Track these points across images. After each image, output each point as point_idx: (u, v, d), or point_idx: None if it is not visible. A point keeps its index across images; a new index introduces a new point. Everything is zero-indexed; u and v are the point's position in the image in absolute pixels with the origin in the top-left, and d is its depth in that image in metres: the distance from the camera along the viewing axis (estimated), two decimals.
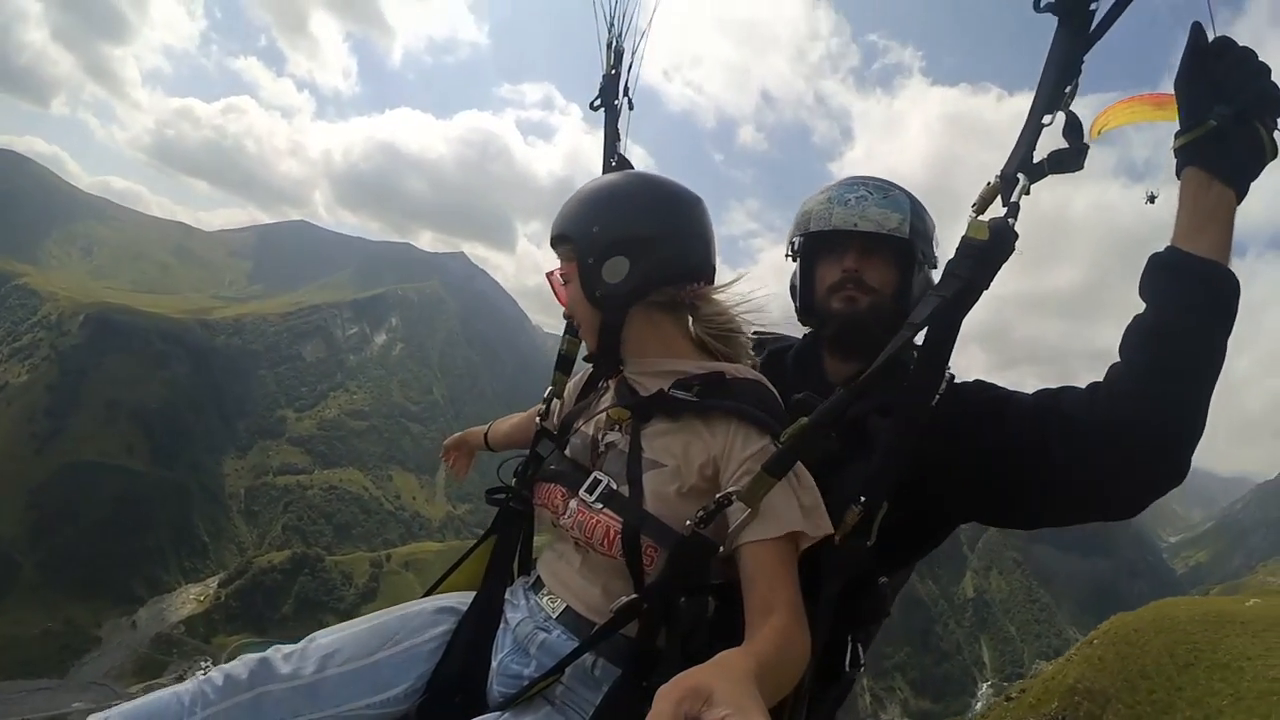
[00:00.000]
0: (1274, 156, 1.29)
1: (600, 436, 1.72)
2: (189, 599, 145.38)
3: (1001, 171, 1.38)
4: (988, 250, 1.36)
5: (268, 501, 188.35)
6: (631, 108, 2.31)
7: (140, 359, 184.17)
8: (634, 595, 1.45)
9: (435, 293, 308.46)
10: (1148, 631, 15.20)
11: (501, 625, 1.77)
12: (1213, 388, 1.30)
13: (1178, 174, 1.32)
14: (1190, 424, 1.32)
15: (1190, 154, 1.31)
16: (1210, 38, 1.31)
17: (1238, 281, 1.31)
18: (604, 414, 1.73)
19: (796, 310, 2.07)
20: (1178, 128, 1.33)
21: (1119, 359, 1.40)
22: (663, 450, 1.58)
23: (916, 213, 1.88)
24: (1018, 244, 1.35)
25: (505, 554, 2.00)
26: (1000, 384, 1.74)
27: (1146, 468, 1.36)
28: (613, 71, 2.32)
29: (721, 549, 1.42)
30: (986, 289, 1.37)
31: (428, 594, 2.02)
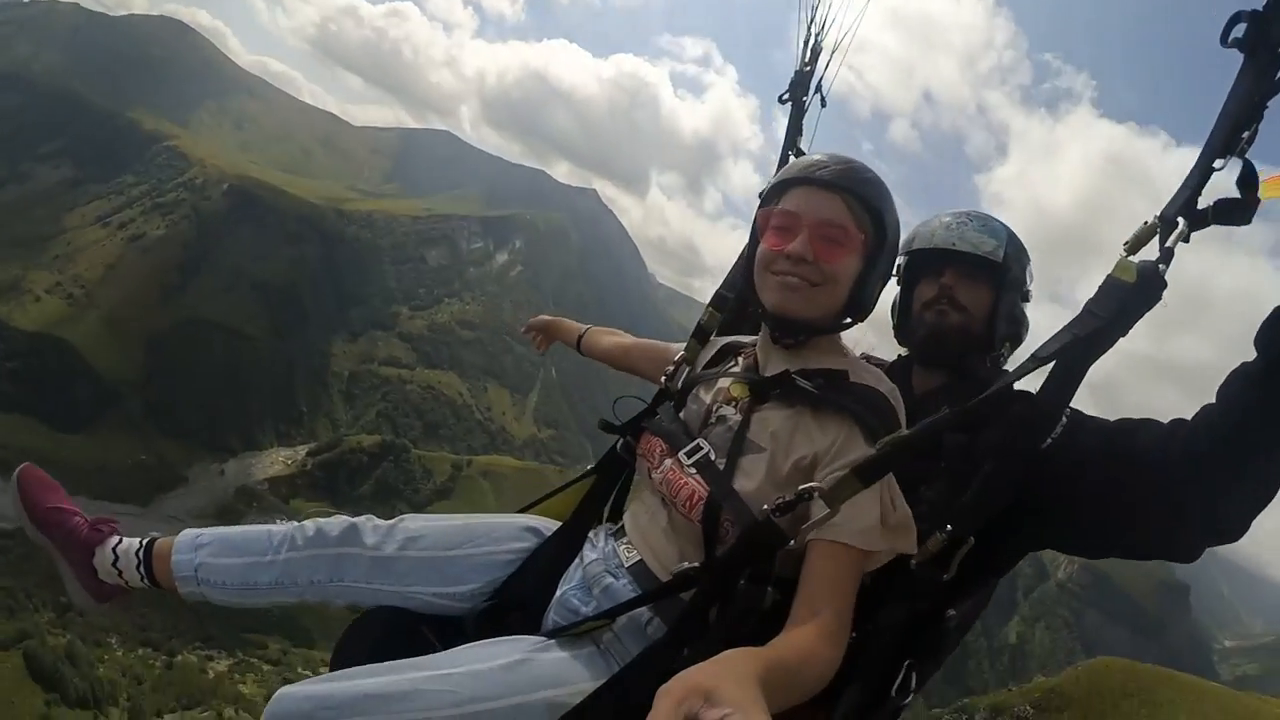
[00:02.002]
0: None
1: (715, 408, 1.72)
2: (277, 460, 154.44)
3: (1161, 213, 1.30)
4: (1133, 294, 1.29)
5: (368, 387, 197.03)
6: (824, 105, 2.32)
7: (273, 235, 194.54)
8: (697, 564, 1.47)
9: (561, 225, 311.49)
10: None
11: (576, 559, 1.79)
12: None
13: None
14: (1264, 480, 1.28)
15: None
16: None
17: None
18: (726, 387, 1.75)
19: (894, 330, 2.15)
20: None
21: (1215, 400, 1.33)
22: (767, 434, 1.58)
23: (1012, 243, 1.96)
24: (1165, 294, 1.29)
25: (601, 494, 2.05)
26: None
27: (1211, 511, 1.33)
28: (806, 68, 2.32)
29: (793, 542, 1.40)
30: (1124, 336, 1.30)
31: (521, 512, 2.08)
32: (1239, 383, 1.28)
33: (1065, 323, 1.41)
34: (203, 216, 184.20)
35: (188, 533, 1.86)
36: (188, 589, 1.80)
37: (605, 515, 2.03)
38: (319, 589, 1.78)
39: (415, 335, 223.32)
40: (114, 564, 1.82)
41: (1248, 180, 1.22)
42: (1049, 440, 1.48)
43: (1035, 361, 1.39)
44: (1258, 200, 1.22)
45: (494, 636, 1.58)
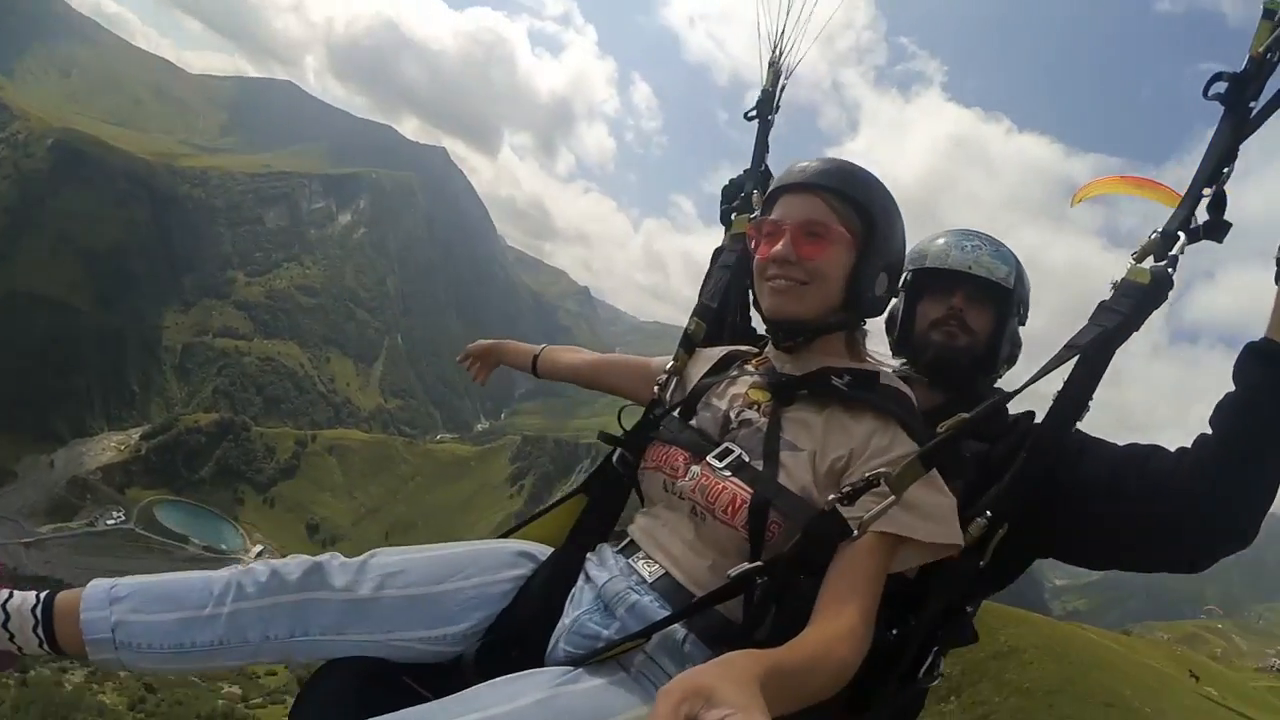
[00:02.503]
0: None
1: (734, 414, 1.65)
2: (110, 446, 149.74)
3: (1163, 228, 1.50)
4: (1148, 293, 1.46)
5: (202, 361, 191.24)
6: (778, 111, 2.44)
7: (101, 196, 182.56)
8: (758, 563, 1.38)
9: (408, 184, 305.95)
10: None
11: (581, 581, 1.64)
12: None
13: (1276, 280, 1.43)
14: (1263, 492, 1.43)
15: None
16: None
17: None
18: (743, 392, 1.69)
19: (891, 342, 2.18)
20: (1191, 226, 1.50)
21: (1209, 430, 1.49)
22: (802, 435, 1.54)
23: (1020, 271, 2.04)
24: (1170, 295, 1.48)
25: (599, 513, 1.91)
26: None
27: (1217, 527, 1.47)
28: (770, 88, 2.38)
29: (856, 533, 1.36)
30: (1138, 330, 1.48)
31: (504, 536, 1.88)
32: (1228, 412, 1.46)
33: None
34: (24, 176, 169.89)
35: (99, 584, 1.51)
36: (102, 655, 1.46)
37: (605, 534, 1.85)
38: (277, 646, 1.50)
39: (252, 303, 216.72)
40: (3, 625, 1.45)
41: (1221, 205, 1.47)
42: (1076, 426, 1.57)
43: (1071, 350, 1.48)
44: (1229, 224, 1.47)
45: (497, 676, 1.39)
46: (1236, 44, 1.50)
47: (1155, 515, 1.49)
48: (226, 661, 1.53)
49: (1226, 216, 1.48)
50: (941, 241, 2.08)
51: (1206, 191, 1.49)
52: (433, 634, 1.56)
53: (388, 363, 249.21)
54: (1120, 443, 1.68)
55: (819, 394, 1.58)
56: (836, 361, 1.64)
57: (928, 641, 1.54)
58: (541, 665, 1.50)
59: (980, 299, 2.00)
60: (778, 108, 2.40)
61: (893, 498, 1.34)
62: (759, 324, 1.97)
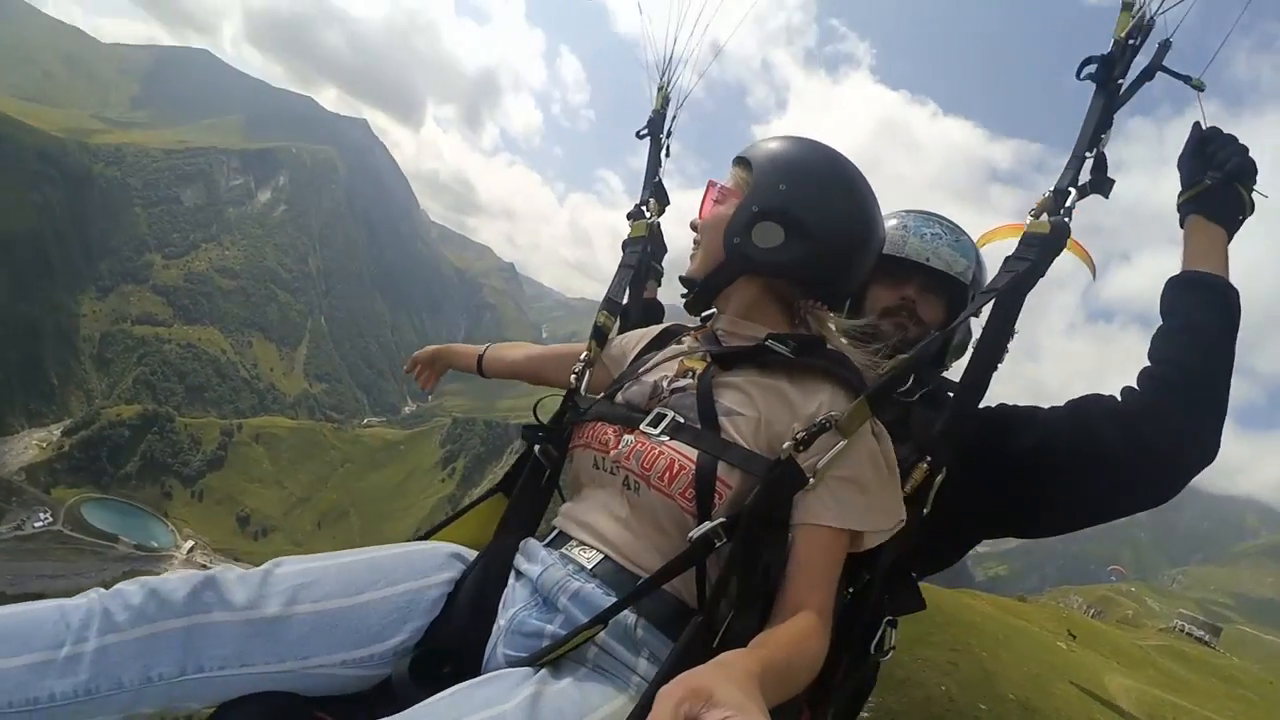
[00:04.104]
0: (1252, 211, 1.63)
1: (665, 383, 1.54)
2: (31, 444, 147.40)
3: (1055, 187, 1.63)
4: (1049, 240, 1.56)
5: (122, 350, 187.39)
6: (668, 152, 2.44)
7: (13, 177, 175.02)
8: (720, 520, 1.27)
9: (329, 159, 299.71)
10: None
11: (511, 580, 1.49)
12: (1230, 375, 1.52)
13: (1181, 224, 1.64)
14: (1216, 405, 1.51)
15: (1191, 205, 1.62)
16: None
17: (1238, 291, 1.56)
18: (677, 360, 1.61)
19: None
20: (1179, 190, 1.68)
21: (1149, 363, 1.57)
22: (742, 402, 1.44)
23: (979, 264, 2.02)
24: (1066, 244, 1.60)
25: (523, 508, 1.76)
26: None
27: (1183, 446, 1.51)
28: (661, 110, 2.40)
29: (811, 481, 1.31)
30: (1044, 274, 1.59)
31: (424, 538, 1.71)
32: (1164, 339, 1.57)
33: None
34: None
35: None
36: None
37: (532, 529, 1.74)
38: (162, 690, 1.21)
39: (171, 287, 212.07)
40: None
41: (1102, 165, 1.61)
42: (1001, 362, 1.60)
43: (986, 295, 1.57)
44: (1112, 180, 1.62)
45: (431, 694, 1.19)
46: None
47: (1134, 447, 1.52)
48: (99, 713, 1.19)
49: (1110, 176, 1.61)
50: (898, 224, 2.02)
51: (1088, 155, 1.62)
52: (358, 655, 1.34)
53: (311, 345, 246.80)
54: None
55: (759, 361, 1.50)
56: (778, 330, 1.58)
57: (877, 610, 1.52)
58: (479, 675, 1.30)
59: (935, 291, 1.97)
60: (670, 132, 2.42)
61: (843, 441, 1.32)
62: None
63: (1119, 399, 1.59)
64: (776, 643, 1.16)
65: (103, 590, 1.26)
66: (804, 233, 1.52)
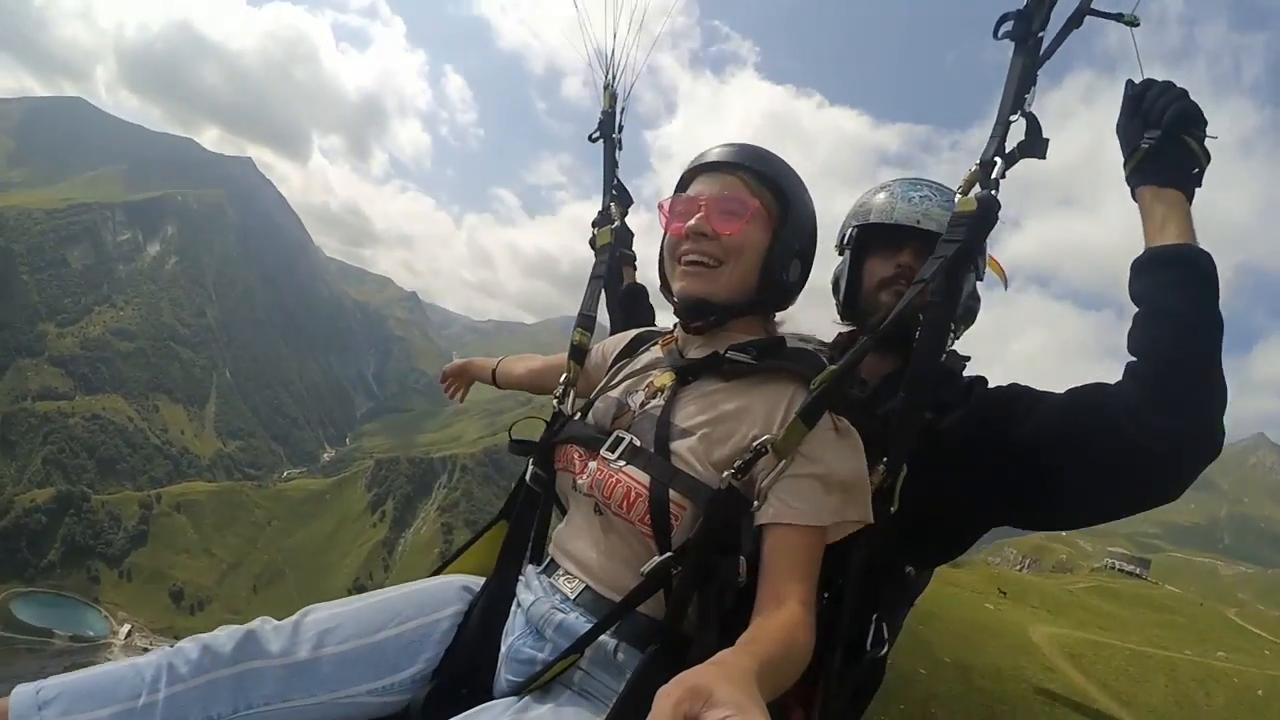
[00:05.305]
0: (1208, 160, 1.48)
1: (629, 400, 1.63)
2: None
3: (980, 159, 1.57)
4: (978, 218, 1.53)
5: (25, 430, 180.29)
6: (620, 148, 2.49)
7: None
8: (668, 554, 1.37)
9: (217, 202, 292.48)
10: None
11: (514, 607, 1.62)
12: (1218, 354, 1.39)
13: (1133, 199, 1.51)
14: (1209, 392, 1.39)
15: (1136, 177, 1.50)
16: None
17: (1208, 253, 1.41)
18: (648, 378, 1.66)
19: (838, 305, 2.09)
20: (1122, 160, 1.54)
21: (1131, 358, 1.47)
22: (703, 413, 1.50)
23: None
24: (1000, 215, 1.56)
25: (522, 534, 1.82)
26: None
27: (1180, 449, 1.40)
28: (610, 109, 2.43)
29: (756, 504, 1.37)
30: (979, 250, 1.60)
31: (435, 574, 1.87)
32: (1141, 329, 1.45)
33: None
34: None
35: (23, 690, 1.40)
36: None
37: (529, 555, 1.81)
38: None
39: (68, 357, 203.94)
40: None
41: (1035, 125, 1.54)
42: (943, 355, 1.60)
43: (919, 284, 1.50)
44: (1047, 139, 1.54)
45: (452, 717, 1.38)
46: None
47: (1123, 448, 1.44)
48: None
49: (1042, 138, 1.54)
50: (886, 194, 1.99)
51: (1014, 118, 1.55)
52: (380, 684, 1.54)
53: (219, 402, 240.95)
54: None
55: (721, 371, 1.54)
56: (744, 336, 1.60)
57: (865, 606, 1.51)
58: (491, 699, 1.49)
59: (930, 254, 1.81)
60: (621, 127, 2.46)
61: (782, 462, 1.36)
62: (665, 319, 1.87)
63: (1111, 395, 1.48)
64: (767, 639, 1.19)
65: (167, 649, 1.48)
66: (807, 264, 1.66)
